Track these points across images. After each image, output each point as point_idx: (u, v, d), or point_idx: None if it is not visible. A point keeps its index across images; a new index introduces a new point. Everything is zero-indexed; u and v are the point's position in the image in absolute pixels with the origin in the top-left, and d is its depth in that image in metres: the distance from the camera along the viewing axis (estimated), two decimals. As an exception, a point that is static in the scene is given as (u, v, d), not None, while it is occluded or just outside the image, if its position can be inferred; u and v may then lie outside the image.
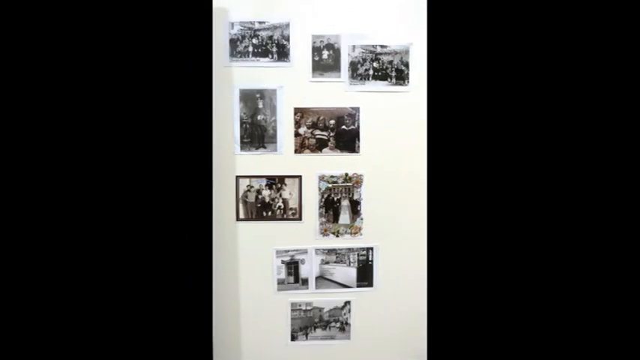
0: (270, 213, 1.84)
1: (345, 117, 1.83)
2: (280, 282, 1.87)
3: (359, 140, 1.84)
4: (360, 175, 1.86)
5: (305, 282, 1.88)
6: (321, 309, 1.90)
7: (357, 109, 1.83)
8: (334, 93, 1.82)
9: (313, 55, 1.80)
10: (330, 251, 1.88)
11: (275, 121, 1.81)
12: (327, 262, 1.88)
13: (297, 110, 1.81)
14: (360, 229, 1.88)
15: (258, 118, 1.81)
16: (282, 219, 1.85)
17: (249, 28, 1.78)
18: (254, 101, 1.80)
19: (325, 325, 1.91)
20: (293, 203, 1.84)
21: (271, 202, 1.84)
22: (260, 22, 1.78)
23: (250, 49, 1.78)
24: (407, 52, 1.83)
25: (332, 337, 1.91)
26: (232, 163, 1.81)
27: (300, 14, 1.79)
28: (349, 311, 1.91)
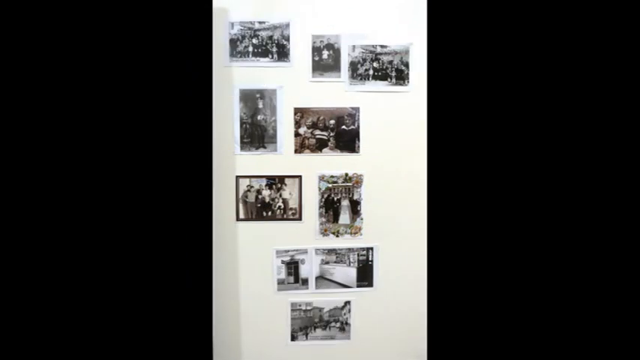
0: (270, 213, 1.84)
1: (345, 117, 1.83)
2: (280, 282, 1.87)
3: (359, 140, 1.84)
4: (360, 175, 1.86)
5: (305, 282, 1.88)
6: (321, 309, 1.90)
7: (357, 109, 1.83)
8: (334, 93, 1.82)
9: (313, 55, 1.80)
10: (330, 251, 1.88)
11: (275, 121, 1.81)
12: (327, 262, 1.88)
13: (297, 110, 1.81)
14: (360, 229, 1.88)
15: (258, 118, 1.81)
16: (282, 219, 1.85)
17: (249, 28, 1.78)
18: (254, 101, 1.80)
19: (325, 325, 1.91)
20: (293, 203, 1.84)
21: (271, 202, 1.84)
22: (260, 22, 1.78)
23: (250, 49, 1.78)
24: (407, 52, 1.83)
25: (332, 337, 1.91)
26: (232, 163, 1.81)
27: (300, 14, 1.79)
28: (349, 311, 1.91)
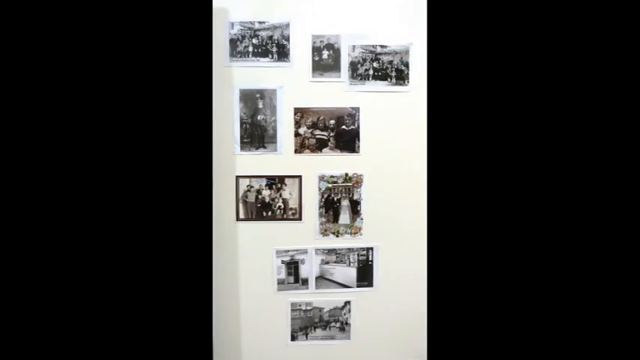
0: (270, 213, 1.84)
1: (345, 117, 1.83)
2: (280, 282, 1.87)
3: (359, 140, 1.84)
4: (360, 175, 1.86)
5: (305, 282, 1.88)
6: (321, 309, 1.90)
7: (357, 109, 1.83)
8: (334, 93, 1.82)
9: (313, 55, 1.80)
10: (330, 251, 1.88)
11: (275, 121, 1.81)
12: (327, 262, 1.88)
13: (297, 110, 1.81)
14: (360, 229, 1.88)
15: (258, 118, 1.81)
16: (282, 219, 1.85)
17: (249, 28, 1.78)
18: (254, 101, 1.80)
19: (325, 325, 1.91)
20: (293, 203, 1.84)
21: (271, 202, 1.84)
22: (260, 22, 1.78)
23: (250, 49, 1.78)
24: (407, 52, 1.83)
25: (332, 337, 1.91)
26: (232, 163, 1.81)
27: (300, 14, 1.79)
28: (349, 311, 1.91)
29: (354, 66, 1.81)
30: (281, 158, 1.82)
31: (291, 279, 1.88)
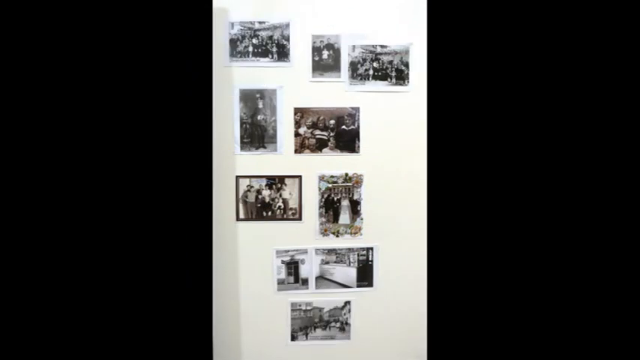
0: (270, 213, 1.84)
1: (345, 117, 1.83)
2: (280, 282, 1.87)
3: (359, 140, 1.84)
4: (360, 175, 1.86)
5: (305, 282, 1.88)
6: (321, 309, 1.90)
7: (357, 109, 1.83)
8: (334, 93, 1.82)
9: (313, 55, 1.80)
10: (330, 251, 1.88)
11: (275, 121, 1.81)
12: (327, 262, 1.88)
13: (297, 110, 1.81)
14: (360, 229, 1.88)
15: (258, 118, 1.81)
16: (282, 219, 1.85)
17: (249, 28, 1.78)
18: (254, 101, 1.80)
19: (325, 325, 1.91)
20: (293, 203, 1.84)
21: (271, 202, 1.84)
22: (260, 22, 1.78)
23: (250, 49, 1.78)
24: (407, 52, 1.83)
25: (332, 337, 1.91)
26: (232, 163, 1.81)
27: (300, 14, 1.79)
28: (349, 311, 1.91)
29: (354, 66, 1.81)
30: (281, 158, 1.82)
31: (291, 279, 1.88)
